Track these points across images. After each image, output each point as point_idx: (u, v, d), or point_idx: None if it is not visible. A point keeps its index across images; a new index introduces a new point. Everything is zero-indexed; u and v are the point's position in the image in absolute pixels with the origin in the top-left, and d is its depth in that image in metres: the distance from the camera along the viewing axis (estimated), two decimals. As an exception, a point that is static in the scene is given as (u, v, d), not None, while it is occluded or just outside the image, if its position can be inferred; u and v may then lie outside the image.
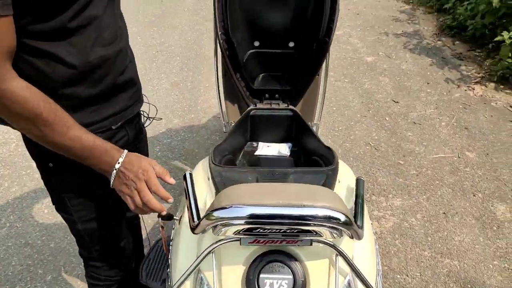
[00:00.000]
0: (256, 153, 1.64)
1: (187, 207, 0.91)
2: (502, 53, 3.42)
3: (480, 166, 2.65)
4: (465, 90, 3.44)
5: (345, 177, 1.18)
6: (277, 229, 0.78)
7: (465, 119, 3.10)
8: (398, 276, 1.97)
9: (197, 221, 0.82)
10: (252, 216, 0.74)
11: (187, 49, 4.06)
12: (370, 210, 2.31)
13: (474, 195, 2.43)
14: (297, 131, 1.68)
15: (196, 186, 1.03)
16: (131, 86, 1.12)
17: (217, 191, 1.03)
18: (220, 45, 1.53)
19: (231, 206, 0.74)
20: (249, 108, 1.67)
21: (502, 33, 3.34)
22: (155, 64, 3.80)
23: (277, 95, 1.74)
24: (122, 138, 1.13)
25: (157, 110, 1.44)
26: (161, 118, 2.97)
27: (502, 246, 2.13)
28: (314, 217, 0.74)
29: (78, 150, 0.89)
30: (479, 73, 3.64)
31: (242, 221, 0.75)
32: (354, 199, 1.02)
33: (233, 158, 1.53)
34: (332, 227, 0.77)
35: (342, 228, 0.78)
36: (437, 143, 2.85)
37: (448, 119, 3.09)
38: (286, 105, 1.71)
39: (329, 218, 0.75)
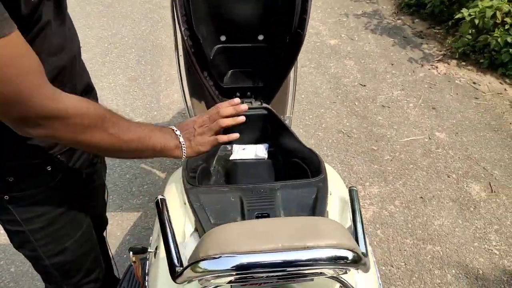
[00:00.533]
0: (232, 157, 1.51)
1: (164, 247, 0.77)
2: (462, 30, 3.44)
3: (451, 146, 2.66)
4: (429, 69, 3.44)
5: (336, 186, 1.07)
6: (275, 275, 0.66)
7: (432, 98, 3.10)
8: (383, 268, 1.94)
9: (179, 269, 0.68)
10: (246, 266, 0.61)
11: (142, 40, 3.81)
12: (349, 201, 2.25)
13: (448, 177, 2.43)
14: (273, 131, 1.56)
15: (171, 212, 0.90)
16: (89, 92, 1.02)
17: (197, 218, 0.89)
18: (184, 42, 1.37)
19: (221, 256, 0.61)
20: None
21: (462, 10, 3.35)
22: (109, 58, 3.53)
23: (249, 93, 1.61)
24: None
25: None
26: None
27: (480, 226, 2.14)
28: (319, 260, 0.63)
29: (147, 137, 0.83)
30: (440, 51, 3.66)
31: (235, 272, 0.62)
32: (350, 214, 0.92)
33: (206, 166, 1.39)
34: (339, 267, 0.67)
35: (351, 267, 0.67)
36: (407, 125, 2.83)
37: (415, 100, 3.08)
38: (260, 103, 1.58)
39: (337, 259, 0.64)
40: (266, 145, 1.58)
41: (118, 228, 2.10)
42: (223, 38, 1.52)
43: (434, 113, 2.95)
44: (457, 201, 2.28)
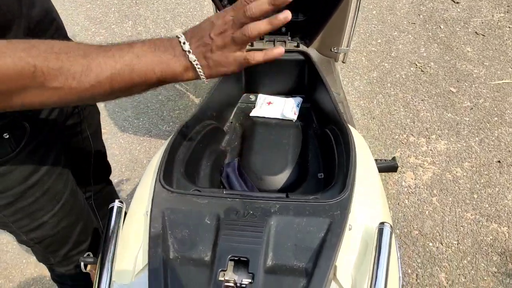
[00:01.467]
0: (253, 113, 1.21)
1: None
2: None
3: (555, 96, 2.08)
4: (553, -16, 2.62)
5: (362, 209, 0.74)
6: None
7: (546, 27, 2.40)
8: (430, 244, 1.65)
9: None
10: None
11: None
12: (406, 155, 1.90)
13: (541, 138, 1.94)
14: (311, 83, 1.22)
15: (128, 225, 0.68)
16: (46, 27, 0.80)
17: (152, 246, 0.65)
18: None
19: None
20: (245, 49, 1.19)
21: None
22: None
23: (283, 29, 1.23)
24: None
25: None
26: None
27: None
28: None
29: (128, 68, 0.54)
30: None
31: None
32: (372, 258, 0.63)
33: (217, 126, 1.12)
34: None
35: None
36: (503, 63, 2.24)
37: (522, 28, 2.40)
38: (296, 44, 1.21)
39: None
40: (299, 99, 1.25)
41: (145, 155, 1.97)
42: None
43: (544, 49, 2.29)
44: (545, 172, 1.82)
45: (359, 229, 0.69)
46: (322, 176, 1.08)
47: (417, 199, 1.77)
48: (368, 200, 0.76)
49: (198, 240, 0.66)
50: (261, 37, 1.24)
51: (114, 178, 1.89)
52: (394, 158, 1.26)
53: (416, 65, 2.25)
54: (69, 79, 0.51)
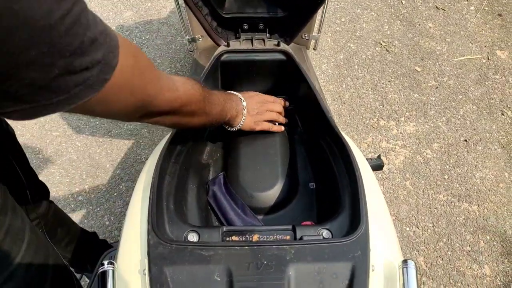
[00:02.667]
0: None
1: None
2: None
3: (513, 71, 2.15)
4: (504, -45, 2.66)
5: (379, 243, 0.69)
6: None
7: (499, 0, 2.44)
8: (407, 229, 1.68)
9: None
10: None
11: None
12: (378, 140, 1.89)
13: (502, 114, 2.00)
14: (293, 84, 1.14)
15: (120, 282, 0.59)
16: None
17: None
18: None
19: None
20: (218, 51, 1.08)
21: None
22: None
23: (261, 25, 1.13)
24: None
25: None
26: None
27: (531, 184, 1.80)
28: None
29: (225, 109, 0.85)
30: None
31: None
32: None
33: (196, 137, 1.02)
34: None
35: None
36: (464, 38, 2.26)
37: (478, 1, 2.43)
38: (276, 42, 1.11)
39: None
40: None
41: (107, 159, 1.82)
42: None
43: (499, 22, 2.34)
44: (507, 148, 1.89)
45: (381, 268, 0.64)
46: (314, 187, 1.03)
47: (392, 184, 1.78)
48: (382, 230, 0.71)
49: None
50: (237, 36, 1.12)
51: (75, 186, 1.74)
52: (379, 156, 1.23)
53: (381, 44, 2.22)
54: (211, 108, 0.77)
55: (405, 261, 0.62)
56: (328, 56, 2.15)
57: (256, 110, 0.95)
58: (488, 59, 2.19)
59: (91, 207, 1.69)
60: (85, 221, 1.65)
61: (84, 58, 0.40)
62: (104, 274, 0.60)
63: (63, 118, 1.92)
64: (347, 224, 0.70)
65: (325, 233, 0.70)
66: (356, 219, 0.68)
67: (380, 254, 0.65)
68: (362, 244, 0.63)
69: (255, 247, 0.63)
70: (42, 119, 1.89)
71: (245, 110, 0.91)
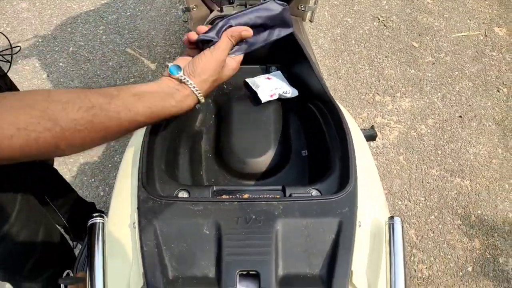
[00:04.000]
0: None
1: None
2: None
3: (509, 48, 2.13)
4: None
5: (366, 202, 0.70)
6: None
7: (501, -24, 2.41)
8: (399, 202, 1.70)
9: None
10: None
11: None
12: (373, 115, 1.89)
13: (498, 91, 2.00)
14: (287, 50, 1.12)
15: (113, 242, 0.59)
16: None
17: (146, 265, 0.57)
18: None
19: None
20: (210, 16, 1.07)
21: None
22: None
23: None
24: None
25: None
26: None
27: (523, 160, 1.81)
28: None
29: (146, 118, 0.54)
30: None
31: None
32: (387, 257, 0.60)
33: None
34: None
35: None
36: (462, 14, 2.24)
37: (479, -23, 2.39)
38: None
39: None
40: (274, 68, 1.15)
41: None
42: None
43: (499, -1, 2.31)
44: (502, 125, 1.90)
45: (368, 225, 0.65)
46: (306, 154, 1.03)
47: (385, 159, 1.79)
48: (370, 190, 0.71)
49: (199, 255, 0.58)
50: (230, 2, 1.11)
51: (69, 157, 1.74)
52: (372, 127, 1.23)
53: (379, 19, 2.19)
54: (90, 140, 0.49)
55: (391, 218, 0.62)
56: (325, 31, 2.13)
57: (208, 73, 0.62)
58: (486, 35, 2.17)
59: (85, 178, 1.69)
60: (80, 191, 1.66)
61: None
62: (93, 226, 0.60)
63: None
64: (336, 184, 0.71)
65: (314, 193, 0.71)
66: (345, 178, 0.68)
67: (367, 211, 0.66)
68: (350, 201, 0.64)
69: (244, 203, 0.63)
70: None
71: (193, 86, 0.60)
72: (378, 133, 1.85)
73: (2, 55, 0.84)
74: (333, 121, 0.85)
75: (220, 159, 1.00)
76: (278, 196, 0.72)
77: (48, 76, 1.94)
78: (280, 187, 0.73)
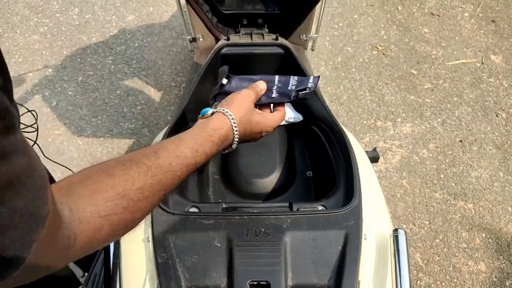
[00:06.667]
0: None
1: None
2: None
3: (506, 74, 2.19)
4: (497, -36, 2.73)
5: (371, 215, 0.73)
6: None
7: (493, 7, 2.50)
8: (404, 226, 1.70)
9: None
10: None
11: None
12: (374, 140, 1.93)
13: (497, 116, 2.04)
14: (291, 72, 1.17)
15: (127, 255, 0.61)
16: None
17: (161, 277, 0.59)
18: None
19: None
20: (218, 44, 1.12)
21: None
22: None
23: (260, 20, 1.17)
24: None
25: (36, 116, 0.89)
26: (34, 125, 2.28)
27: (525, 183, 1.83)
28: None
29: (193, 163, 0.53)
30: None
31: None
32: (392, 268, 0.61)
33: None
34: None
35: None
36: (458, 43, 2.32)
37: (472, 8, 2.49)
38: (274, 37, 1.15)
39: None
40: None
41: (107, 156, 1.85)
42: None
43: (493, 28, 2.39)
44: (502, 148, 1.93)
45: (373, 237, 0.67)
46: (311, 175, 1.06)
47: (389, 183, 1.81)
48: (374, 204, 0.74)
49: (210, 266, 0.60)
50: (236, 31, 1.17)
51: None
52: (375, 149, 1.26)
53: (378, 48, 2.27)
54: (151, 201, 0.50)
55: (395, 230, 0.64)
56: (326, 59, 2.20)
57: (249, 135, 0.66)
58: (483, 63, 2.24)
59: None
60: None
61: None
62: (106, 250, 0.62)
63: (65, 117, 1.95)
64: (342, 200, 0.73)
65: (321, 207, 0.73)
66: (349, 194, 0.71)
67: (372, 224, 0.68)
68: (355, 215, 0.66)
69: (253, 217, 0.66)
70: (44, 117, 1.93)
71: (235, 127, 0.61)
72: (381, 158, 1.87)
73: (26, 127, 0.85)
74: (337, 141, 0.88)
75: (227, 180, 1.02)
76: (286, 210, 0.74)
77: (57, 104, 1.99)
78: (287, 204, 0.76)
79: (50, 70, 2.13)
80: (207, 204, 0.74)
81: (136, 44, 2.23)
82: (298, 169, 1.06)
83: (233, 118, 0.58)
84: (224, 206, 0.75)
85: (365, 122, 1.98)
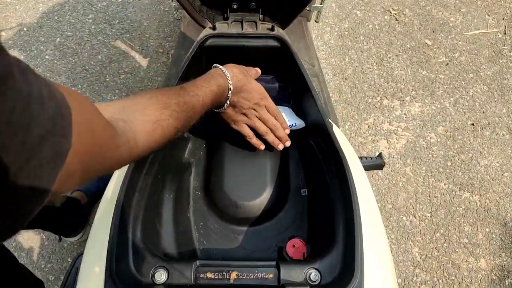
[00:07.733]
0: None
1: None
2: None
3: (530, 48, 1.98)
4: None
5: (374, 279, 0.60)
6: None
7: (524, -35, 2.22)
8: (404, 218, 1.61)
9: None
10: None
11: None
12: (379, 121, 1.77)
13: (515, 96, 1.87)
14: (288, 76, 1.00)
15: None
16: None
17: None
18: None
19: None
20: (202, 34, 0.94)
21: None
22: None
23: (253, 4, 0.97)
24: None
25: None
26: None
27: (537, 175, 1.71)
28: None
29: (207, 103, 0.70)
30: None
31: None
32: None
33: (171, 156, 0.90)
34: None
35: None
36: (480, 8, 2.07)
37: (501, -34, 2.21)
38: (270, 26, 0.96)
39: None
40: (285, 107, 1.02)
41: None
42: None
43: (522, -8, 2.14)
44: (517, 134, 1.78)
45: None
46: (306, 194, 0.92)
47: (391, 170, 1.69)
48: (380, 281, 0.61)
49: None
50: (225, 17, 0.97)
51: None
52: (380, 155, 1.12)
53: (390, 12, 2.03)
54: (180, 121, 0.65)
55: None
56: (331, 25, 1.97)
57: (252, 102, 0.80)
58: (505, 33, 2.01)
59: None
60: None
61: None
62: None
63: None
64: (339, 265, 0.61)
65: (313, 275, 0.61)
66: (349, 261, 0.58)
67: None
68: None
69: None
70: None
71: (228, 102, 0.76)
72: (385, 142, 1.73)
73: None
74: (337, 174, 0.74)
75: (210, 200, 0.89)
76: (271, 275, 0.62)
77: (34, 69, 1.81)
78: (274, 263, 0.63)
79: (25, 29, 1.91)
80: (178, 263, 0.62)
81: (119, 1, 1.98)
82: (292, 186, 0.93)
83: (224, 69, 0.73)
84: (198, 264, 0.63)
85: (370, 100, 1.81)
